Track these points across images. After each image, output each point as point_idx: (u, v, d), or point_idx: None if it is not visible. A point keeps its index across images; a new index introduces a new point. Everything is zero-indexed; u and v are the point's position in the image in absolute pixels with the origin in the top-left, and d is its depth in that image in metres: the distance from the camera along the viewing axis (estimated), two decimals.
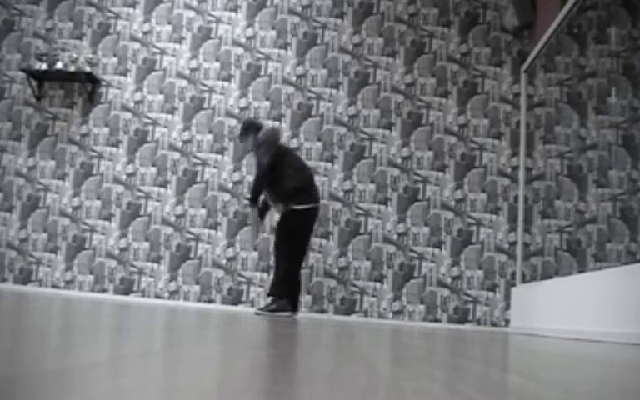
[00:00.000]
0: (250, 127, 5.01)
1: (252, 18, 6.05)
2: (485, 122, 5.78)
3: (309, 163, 5.67)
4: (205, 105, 5.92)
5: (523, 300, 5.06)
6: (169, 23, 6.08)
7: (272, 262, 5.44)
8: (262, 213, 5.07)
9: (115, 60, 6.05)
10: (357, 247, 5.63)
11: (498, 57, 5.88)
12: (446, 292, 5.54)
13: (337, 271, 5.60)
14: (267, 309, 4.70)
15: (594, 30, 4.29)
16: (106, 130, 5.94)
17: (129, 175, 5.85)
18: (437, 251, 5.61)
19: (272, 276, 4.95)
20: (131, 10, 6.12)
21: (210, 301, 5.61)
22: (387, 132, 5.80)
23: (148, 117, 5.93)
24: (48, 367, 0.67)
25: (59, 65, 5.85)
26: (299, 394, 0.64)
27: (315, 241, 5.63)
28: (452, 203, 5.67)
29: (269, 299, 4.97)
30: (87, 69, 5.92)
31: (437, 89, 5.86)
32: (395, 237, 5.63)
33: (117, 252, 5.73)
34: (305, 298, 5.53)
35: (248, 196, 5.35)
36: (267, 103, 5.87)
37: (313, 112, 5.84)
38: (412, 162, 5.74)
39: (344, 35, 5.98)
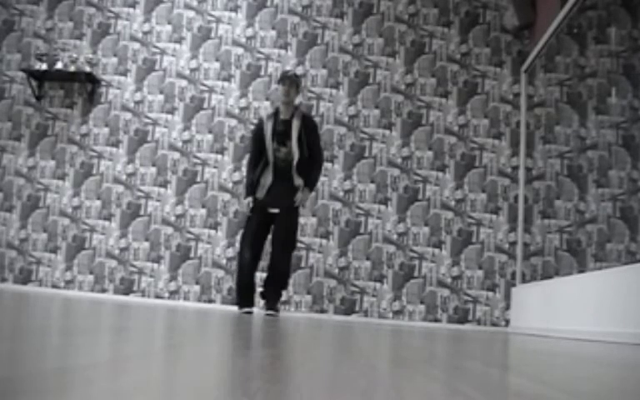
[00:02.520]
0: (300, 83, 4.86)
1: (252, 18, 6.05)
2: (485, 122, 5.78)
3: None
4: (205, 105, 5.92)
5: (523, 300, 5.06)
6: (169, 23, 6.08)
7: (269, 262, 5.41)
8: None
9: (115, 60, 6.05)
10: (357, 247, 5.62)
11: (498, 57, 5.88)
12: (446, 292, 5.53)
13: (337, 271, 5.59)
14: (276, 309, 4.76)
15: (594, 30, 4.29)
16: (106, 130, 5.94)
17: (129, 175, 5.85)
18: (437, 251, 5.60)
19: (267, 275, 4.86)
20: (131, 10, 6.12)
21: (210, 301, 5.61)
22: (387, 132, 5.79)
23: (148, 117, 5.93)
24: (48, 367, 0.67)
25: (59, 65, 5.85)
26: (299, 394, 0.64)
27: (315, 241, 5.63)
28: (452, 203, 5.66)
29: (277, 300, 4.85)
30: (87, 69, 5.92)
31: (437, 89, 5.86)
32: (395, 237, 5.63)
33: (117, 252, 5.73)
34: (305, 298, 5.53)
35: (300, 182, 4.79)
36: (267, 103, 5.87)
37: (313, 113, 5.83)
38: (412, 162, 5.74)
39: (344, 35, 5.98)
